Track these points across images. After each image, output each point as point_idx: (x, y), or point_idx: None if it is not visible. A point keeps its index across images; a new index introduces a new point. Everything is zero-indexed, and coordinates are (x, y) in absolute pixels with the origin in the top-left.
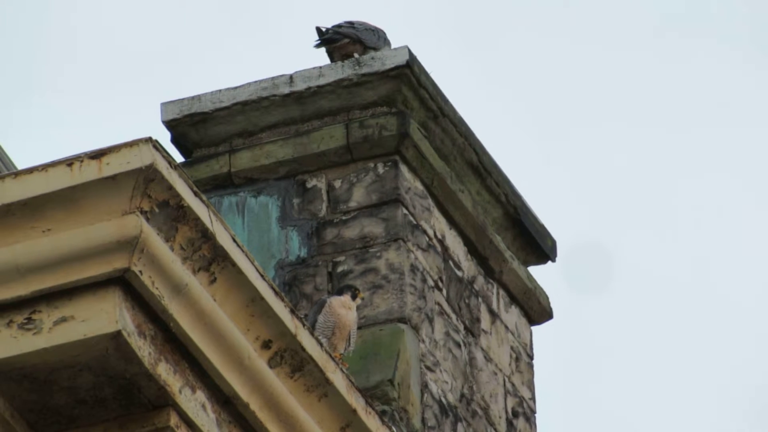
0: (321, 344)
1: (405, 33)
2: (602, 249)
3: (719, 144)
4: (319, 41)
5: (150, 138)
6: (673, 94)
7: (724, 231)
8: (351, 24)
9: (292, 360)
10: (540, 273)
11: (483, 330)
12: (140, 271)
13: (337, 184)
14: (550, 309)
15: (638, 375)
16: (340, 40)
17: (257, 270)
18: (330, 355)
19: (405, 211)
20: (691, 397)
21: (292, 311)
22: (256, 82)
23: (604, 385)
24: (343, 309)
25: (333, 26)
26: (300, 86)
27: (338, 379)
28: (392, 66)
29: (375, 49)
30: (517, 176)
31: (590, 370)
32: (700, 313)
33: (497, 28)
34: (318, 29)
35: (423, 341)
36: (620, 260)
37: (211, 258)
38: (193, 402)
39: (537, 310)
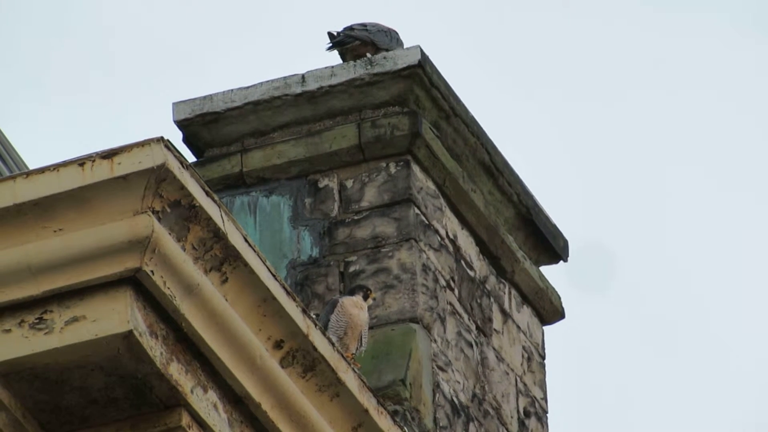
0: (333, 344)
1: (417, 33)
2: (604, 249)
3: (722, 144)
4: (330, 45)
5: (162, 138)
6: (681, 95)
7: (726, 231)
8: (363, 26)
9: (304, 360)
10: (544, 273)
11: (495, 330)
12: (152, 271)
13: (349, 183)
14: (562, 309)
15: (638, 376)
16: (352, 43)
17: (269, 270)
18: (342, 355)
19: (417, 211)
20: (692, 398)
21: (304, 311)
22: (268, 81)
23: (608, 386)
24: (355, 309)
25: (345, 28)
26: (312, 86)
27: (350, 379)
28: (404, 66)
29: (387, 50)
30: (528, 176)
31: (594, 371)
32: (701, 314)
33: (509, 27)
34: (329, 34)
35: (435, 341)
36: (622, 261)
37: (222, 258)
38: (205, 402)
39: (549, 309)
